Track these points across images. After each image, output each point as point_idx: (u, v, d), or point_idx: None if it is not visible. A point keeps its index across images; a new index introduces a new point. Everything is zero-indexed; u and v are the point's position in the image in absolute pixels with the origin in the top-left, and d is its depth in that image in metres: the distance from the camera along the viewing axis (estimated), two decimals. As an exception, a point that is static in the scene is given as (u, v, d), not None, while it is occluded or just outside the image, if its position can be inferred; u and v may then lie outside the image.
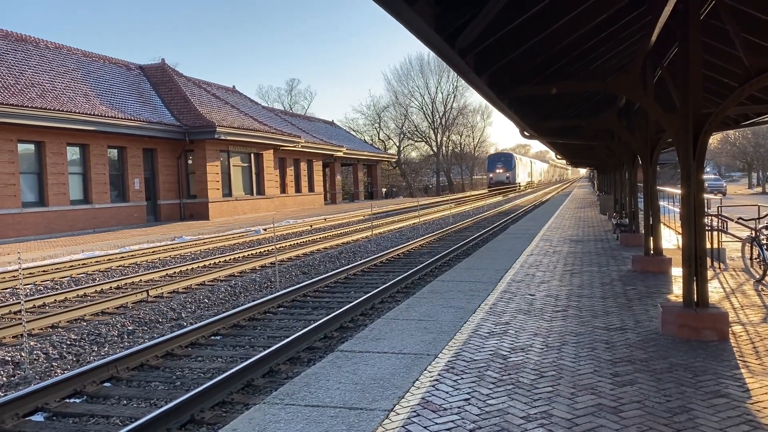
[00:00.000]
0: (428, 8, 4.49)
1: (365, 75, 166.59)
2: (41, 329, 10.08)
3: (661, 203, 14.69)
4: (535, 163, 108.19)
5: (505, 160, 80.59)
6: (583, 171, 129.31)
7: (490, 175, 79.86)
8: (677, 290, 8.70)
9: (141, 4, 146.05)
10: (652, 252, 10.68)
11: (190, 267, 16.63)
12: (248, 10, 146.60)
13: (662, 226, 13.28)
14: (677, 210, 17.31)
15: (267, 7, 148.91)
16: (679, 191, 12.72)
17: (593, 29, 7.24)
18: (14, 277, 14.82)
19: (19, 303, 8.16)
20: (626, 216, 16.13)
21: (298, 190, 48.36)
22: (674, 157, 32.09)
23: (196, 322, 10.14)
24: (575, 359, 5.62)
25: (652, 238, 10.71)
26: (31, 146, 25.50)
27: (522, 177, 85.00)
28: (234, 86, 49.47)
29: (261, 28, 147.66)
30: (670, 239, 15.24)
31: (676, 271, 10.09)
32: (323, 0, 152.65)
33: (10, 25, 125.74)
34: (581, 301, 8.18)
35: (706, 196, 8.59)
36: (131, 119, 29.46)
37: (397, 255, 18.03)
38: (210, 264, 17.34)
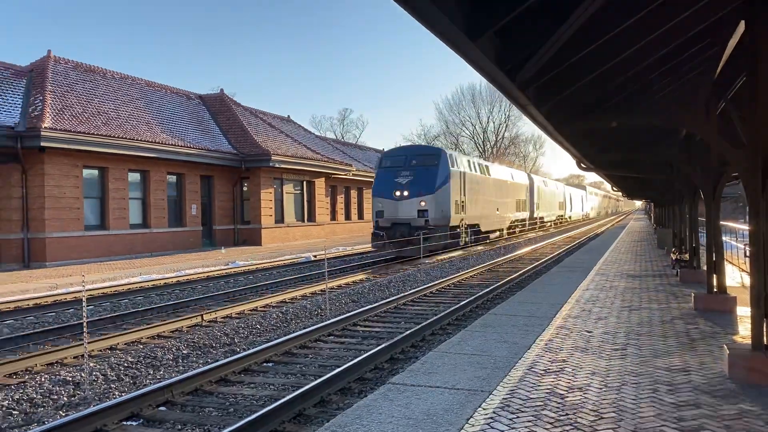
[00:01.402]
0: (491, 45, 4.52)
1: (416, 105, 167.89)
2: (100, 350, 10.37)
3: (724, 239, 14.16)
4: (572, 190, 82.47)
5: (422, 168, 29.05)
6: (638, 203, 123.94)
7: (379, 205, 29.22)
8: (744, 331, 8.32)
9: (203, 38, 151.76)
10: (715, 290, 10.28)
11: (242, 292, 16.89)
12: (304, 43, 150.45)
13: (725, 262, 12.78)
14: (740, 246, 16.65)
15: (321, 40, 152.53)
16: (741, 226, 12.12)
17: (654, 63, 7.12)
18: (75, 298, 15.33)
19: (81, 323, 8.42)
20: (686, 251, 15.60)
21: (348, 217, 48.75)
22: (735, 190, 31.02)
23: (248, 348, 10.24)
24: (636, 401, 5.42)
25: (715, 275, 10.31)
26: (95, 172, 26.54)
27: (544, 209, 59.93)
28: (288, 116, 50.55)
29: (316, 59, 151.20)
30: (734, 276, 14.65)
31: (742, 311, 9.67)
32: (377, 33, 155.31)
33: (80, 54, 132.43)
34: (641, 340, 7.92)
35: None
36: (190, 147, 30.38)
37: (447, 285, 17.88)
38: (262, 289, 17.57)
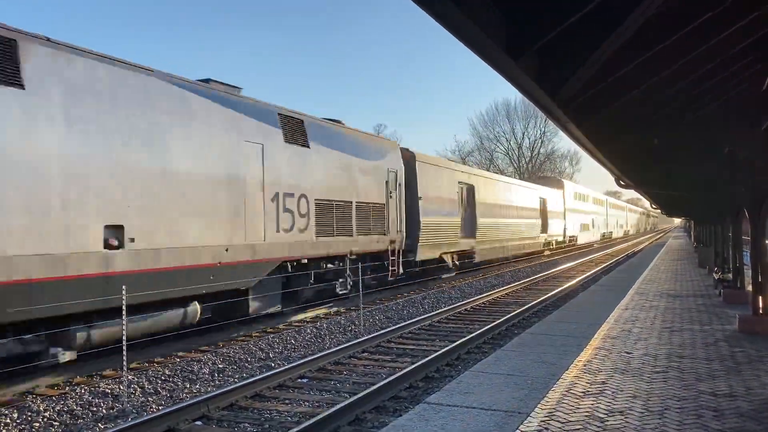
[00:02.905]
0: (531, 63, 4.50)
1: (451, 120, 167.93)
2: (139, 363, 10.51)
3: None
4: (603, 206, 67.62)
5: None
6: (677, 220, 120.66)
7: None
8: (792, 355, 8.03)
9: (244, 58, 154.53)
10: (761, 311, 9.95)
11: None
12: (339, 58, 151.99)
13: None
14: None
15: (354, 53, 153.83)
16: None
17: (698, 79, 6.99)
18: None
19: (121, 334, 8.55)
20: (729, 271, 15.18)
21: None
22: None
23: (284, 364, 10.27)
24: (680, 426, 5.26)
25: (760, 296, 9.99)
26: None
27: (556, 227, 43.53)
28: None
29: (351, 74, 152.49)
30: (780, 297, 14.17)
31: (790, 334, 9.35)
32: (414, 49, 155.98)
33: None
34: (683, 362, 7.69)
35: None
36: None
37: (482, 303, 17.70)
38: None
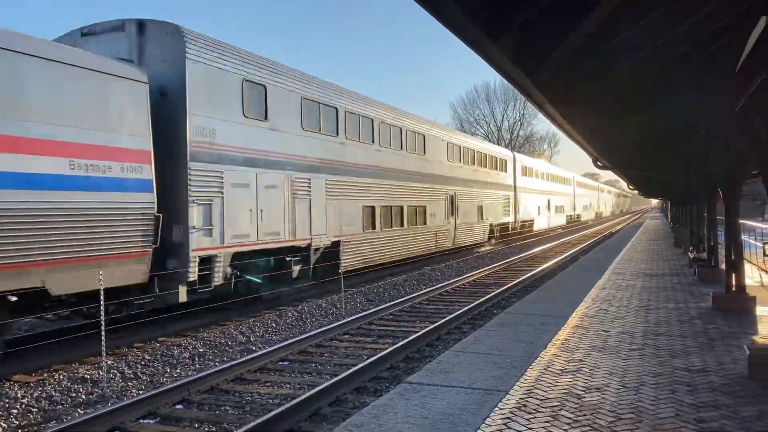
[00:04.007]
0: (509, 43, 4.49)
1: (430, 104, 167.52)
2: (118, 348, 10.44)
3: (742, 237, 14.00)
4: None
5: None
6: (654, 201, 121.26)
7: None
8: (764, 331, 8.23)
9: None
10: (734, 289, 10.15)
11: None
12: (316, 39, 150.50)
13: (744, 261, 12.64)
14: (759, 245, 16.44)
15: (330, 36, 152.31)
16: (761, 225, 11.95)
17: (673, 60, 7.05)
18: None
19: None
20: (704, 250, 15.45)
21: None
22: (754, 188, 30.66)
23: (264, 347, 10.28)
24: (655, 402, 5.37)
25: (734, 274, 10.19)
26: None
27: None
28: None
29: (327, 55, 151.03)
30: (753, 276, 14.47)
31: (761, 310, 9.56)
32: (391, 32, 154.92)
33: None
34: (659, 340, 7.84)
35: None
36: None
37: (462, 284, 17.83)
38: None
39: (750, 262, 16.85)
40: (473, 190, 28.57)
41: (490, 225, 31.60)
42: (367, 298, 15.71)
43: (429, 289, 15.98)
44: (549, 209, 47.80)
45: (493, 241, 32.90)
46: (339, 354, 9.97)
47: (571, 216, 59.01)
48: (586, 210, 73.53)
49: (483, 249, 30.80)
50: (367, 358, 9.05)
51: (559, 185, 52.84)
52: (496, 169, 33.26)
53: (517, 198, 37.31)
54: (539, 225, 43.85)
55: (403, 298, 14.52)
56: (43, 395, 7.84)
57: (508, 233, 35.94)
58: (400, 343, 9.72)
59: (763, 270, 15.17)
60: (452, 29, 4.40)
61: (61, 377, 8.59)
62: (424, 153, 22.99)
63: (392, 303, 13.84)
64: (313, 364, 9.31)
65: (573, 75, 6.28)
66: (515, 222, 37.06)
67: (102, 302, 8.46)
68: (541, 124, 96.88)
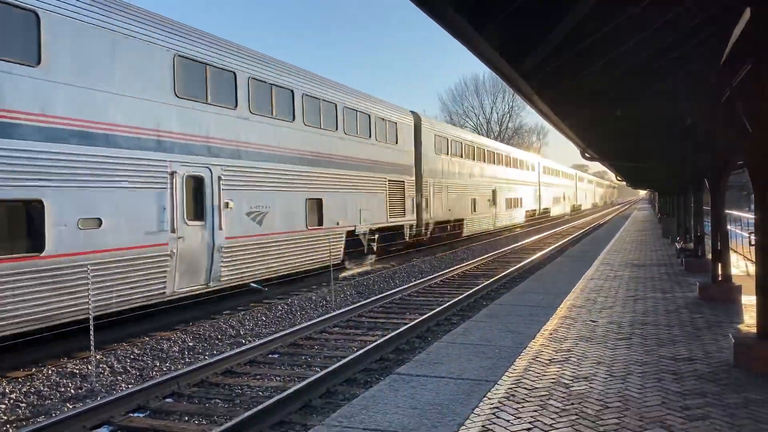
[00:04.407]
0: (495, 35, 4.50)
1: (418, 97, 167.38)
2: (107, 343, 10.40)
3: (728, 227, 14.11)
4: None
5: None
6: (642, 192, 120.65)
7: None
8: (749, 320, 8.31)
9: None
10: (720, 278, 10.25)
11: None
12: (304, 29, 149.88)
13: (730, 251, 12.75)
14: (745, 235, 16.59)
15: (319, 30, 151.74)
16: (746, 215, 12.10)
17: (659, 51, 7.08)
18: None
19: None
20: (691, 240, 15.57)
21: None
22: (740, 179, 30.90)
23: (254, 340, 10.28)
24: (641, 390, 5.43)
25: (720, 264, 10.28)
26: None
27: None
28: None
29: (315, 48, 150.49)
30: (739, 265, 14.61)
31: (747, 300, 9.65)
32: (380, 24, 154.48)
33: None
34: (646, 329, 7.91)
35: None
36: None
37: (452, 276, 17.88)
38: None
39: (736, 251, 17.01)
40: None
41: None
42: (357, 291, 15.73)
43: (419, 281, 16.02)
44: (494, 203, 35.09)
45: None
46: (329, 346, 9.99)
47: (534, 211, 47.54)
48: (557, 203, 60.35)
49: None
50: (357, 350, 9.07)
51: (513, 170, 40.49)
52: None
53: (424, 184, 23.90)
54: (472, 227, 30.66)
55: (394, 290, 14.55)
56: (32, 390, 7.81)
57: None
58: (390, 335, 9.75)
59: (749, 260, 15.31)
60: (438, 20, 4.39)
61: (50, 372, 8.56)
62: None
63: (382, 295, 13.86)
64: (304, 357, 9.32)
65: (559, 66, 6.30)
66: (418, 226, 23.69)
67: (91, 295, 8.44)
68: (530, 117, 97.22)
